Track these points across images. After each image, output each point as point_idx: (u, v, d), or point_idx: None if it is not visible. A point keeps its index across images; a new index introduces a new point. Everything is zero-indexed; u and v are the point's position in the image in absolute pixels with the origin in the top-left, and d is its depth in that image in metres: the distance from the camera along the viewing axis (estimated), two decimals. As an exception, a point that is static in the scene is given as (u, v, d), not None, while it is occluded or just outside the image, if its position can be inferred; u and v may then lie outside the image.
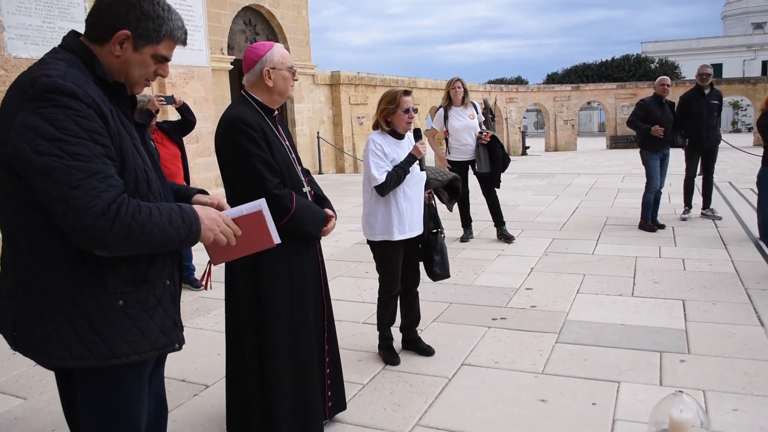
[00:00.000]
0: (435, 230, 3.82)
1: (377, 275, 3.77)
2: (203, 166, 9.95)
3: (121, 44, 1.71)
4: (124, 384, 1.77)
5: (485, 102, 16.91)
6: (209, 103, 10.36)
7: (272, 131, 2.66)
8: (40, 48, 6.70)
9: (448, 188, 4.16)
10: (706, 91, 7.64)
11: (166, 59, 1.80)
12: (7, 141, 1.55)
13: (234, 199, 2.61)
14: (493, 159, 6.79)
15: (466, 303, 4.88)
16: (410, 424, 3.05)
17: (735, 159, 17.76)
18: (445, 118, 6.96)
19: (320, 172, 16.33)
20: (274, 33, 14.69)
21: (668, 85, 7.32)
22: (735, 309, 4.49)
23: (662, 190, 7.55)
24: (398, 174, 3.50)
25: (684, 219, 7.86)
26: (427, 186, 3.80)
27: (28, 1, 6.58)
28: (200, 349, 4.08)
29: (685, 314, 4.42)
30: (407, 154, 3.56)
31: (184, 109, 5.34)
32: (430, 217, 3.82)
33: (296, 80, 2.75)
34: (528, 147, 30.14)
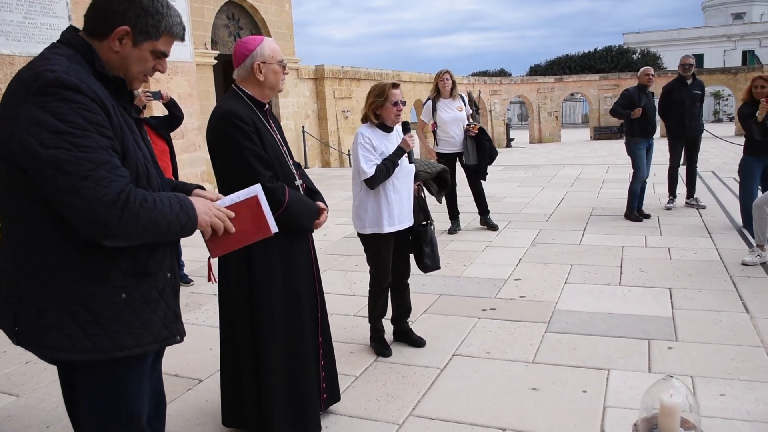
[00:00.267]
0: (425, 222, 3.84)
1: (367, 268, 3.78)
2: (189, 162, 9.90)
3: (120, 40, 1.72)
4: (125, 377, 1.78)
5: (469, 95, 16.95)
6: (194, 98, 10.30)
7: (264, 125, 2.66)
8: (22, 44, 6.62)
9: (437, 180, 4.18)
10: (689, 81, 7.72)
11: (165, 55, 1.82)
12: (13, 136, 1.55)
13: (227, 194, 2.61)
14: (480, 151, 6.83)
15: (456, 294, 4.91)
16: (404, 414, 3.07)
17: (718, 149, 17.97)
18: (434, 110, 6.97)
19: (306, 167, 16.28)
20: (257, 27, 14.61)
21: (652, 75, 7.39)
22: (721, 296, 4.56)
23: (647, 180, 7.63)
24: (387, 167, 3.51)
25: (669, 208, 7.95)
26: (416, 178, 3.82)
27: (8, -3, 6.50)
28: (192, 344, 4.06)
29: (672, 302, 4.48)
30: (396, 146, 3.57)
31: (171, 105, 5.31)
32: (420, 209, 3.84)
33: (286, 74, 2.76)
34: (512, 139, 30.24)
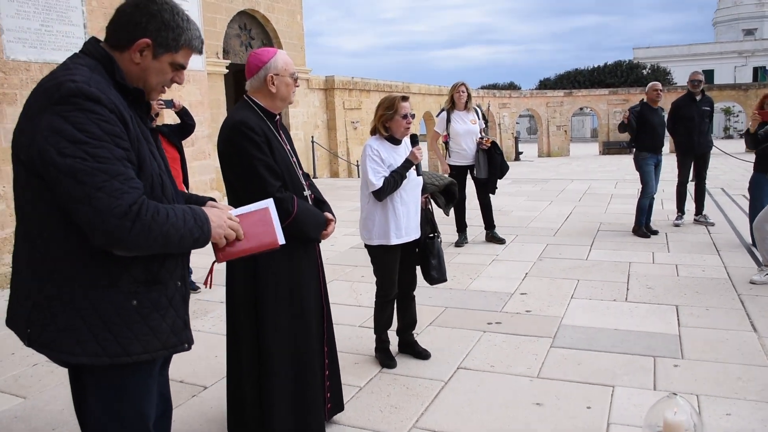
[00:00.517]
0: (432, 234, 3.86)
1: (373, 279, 3.80)
2: (198, 170, 9.96)
3: (141, 52, 1.76)
4: (133, 382, 1.80)
5: (479, 107, 17.01)
6: (205, 106, 10.38)
7: (274, 135, 2.69)
8: (38, 51, 6.71)
9: (445, 193, 4.20)
10: (698, 98, 7.71)
11: (183, 67, 1.86)
12: (32, 143, 1.59)
13: (236, 203, 2.64)
14: (491, 165, 6.87)
15: (462, 307, 4.91)
16: (407, 426, 3.08)
17: (727, 165, 17.90)
18: (447, 121, 7.01)
19: (314, 177, 16.35)
20: (268, 37, 14.73)
21: (661, 90, 7.39)
22: (728, 314, 4.54)
23: (655, 196, 7.62)
24: (395, 179, 3.53)
25: (677, 225, 7.93)
26: (423, 191, 3.84)
27: (26, 5, 6.59)
28: (198, 350, 4.08)
29: (678, 319, 4.47)
30: (404, 159, 3.60)
31: (183, 113, 5.36)
32: (427, 221, 3.85)
33: (297, 86, 2.79)
34: (521, 152, 30.25)
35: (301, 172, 2.83)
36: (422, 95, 22.86)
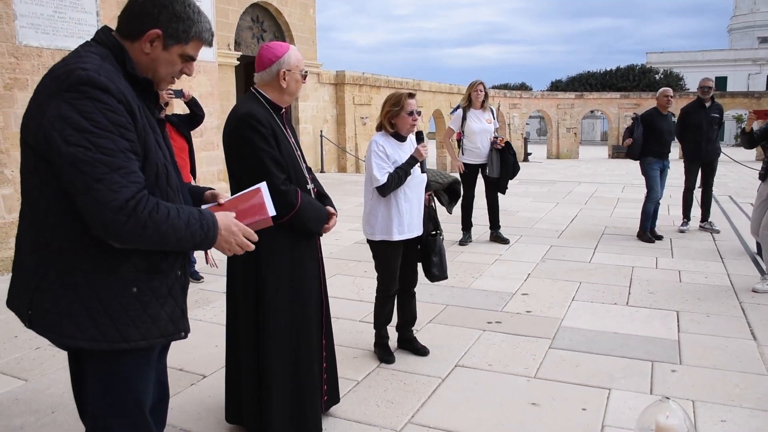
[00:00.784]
0: (434, 232, 3.87)
1: (376, 274, 3.82)
2: (206, 161, 10.01)
3: (151, 42, 1.78)
4: (131, 367, 1.83)
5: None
6: (214, 98, 10.42)
7: (280, 128, 2.72)
8: (50, 37, 6.76)
9: (448, 191, 4.21)
10: (707, 104, 7.67)
11: (193, 59, 1.88)
12: (40, 128, 1.62)
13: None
14: (504, 165, 6.90)
15: (463, 306, 4.93)
16: (402, 421, 3.10)
17: (737, 173, 17.84)
18: (463, 119, 7.03)
19: (322, 171, 16.38)
20: (280, 30, 14.75)
21: (671, 97, 7.36)
22: (728, 322, 4.54)
23: (661, 201, 7.60)
24: (399, 175, 3.55)
25: (682, 231, 7.91)
26: (427, 188, 3.86)
27: (40, -9, 6.64)
28: (198, 339, 4.12)
29: (678, 325, 4.47)
30: (409, 156, 3.62)
31: (192, 103, 5.39)
32: (430, 218, 3.87)
33: (304, 83, 2.82)
34: (530, 153, 30.20)
35: (304, 165, 2.86)
36: (432, 93, 22.81)
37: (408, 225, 3.65)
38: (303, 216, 2.69)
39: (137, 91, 1.79)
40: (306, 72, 2.79)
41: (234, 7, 12.77)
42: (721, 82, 50.21)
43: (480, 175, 7.15)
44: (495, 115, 7.19)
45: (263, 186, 2.08)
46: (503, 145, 6.89)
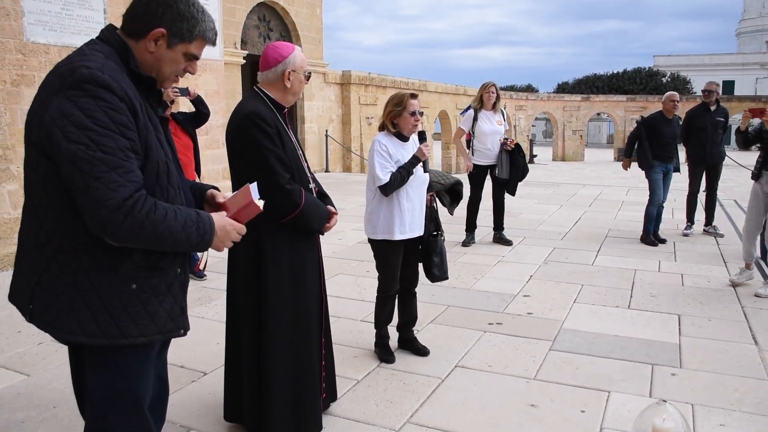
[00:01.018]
0: (435, 232, 3.88)
1: (377, 274, 3.83)
2: (211, 159, 10.05)
3: (156, 41, 1.80)
4: (130, 363, 1.84)
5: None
6: (220, 96, 10.46)
7: (284, 128, 2.74)
8: (58, 34, 6.80)
9: (450, 192, 4.22)
10: (712, 108, 7.66)
11: (196, 57, 1.90)
12: (42, 124, 1.64)
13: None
14: (513, 167, 6.93)
15: (464, 306, 4.93)
16: (401, 421, 3.11)
17: (743, 177, 17.73)
18: (474, 119, 7.06)
19: (327, 170, 16.41)
20: (287, 30, 14.78)
21: (677, 101, 7.34)
22: (730, 326, 4.53)
23: (664, 205, 7.59)
24: (402, 175, 3.56)
25: (686, 235, 7.89)
26: (429, 188, 3.87)
27: (48, -12, 6.68)
28: (200, 337, 4.14)
29: (679, 329, 4.46)
30: (411, 155, 3.63)
31: (198, 101, 5.42)
32: (431, 219, 3.88)
33: (307, 83, 2.85)
34: (535, 155, 30.14)
35: (306, 164, 2.88)
36: (438, 94, 22.78)
37: (409, 225, 3.66)
38: (307, 215, 2.71)
39: (140, 89, 1.80)
40: (310, 73, 2.82)
41: (241, 5, 12.81)
42: (729, 85, 50.03)
43: (490, 178, 7.18)
44: (505, 117, 7.23)
45: (252, 185, 2.09)
46: (513, 146, 6.92)
